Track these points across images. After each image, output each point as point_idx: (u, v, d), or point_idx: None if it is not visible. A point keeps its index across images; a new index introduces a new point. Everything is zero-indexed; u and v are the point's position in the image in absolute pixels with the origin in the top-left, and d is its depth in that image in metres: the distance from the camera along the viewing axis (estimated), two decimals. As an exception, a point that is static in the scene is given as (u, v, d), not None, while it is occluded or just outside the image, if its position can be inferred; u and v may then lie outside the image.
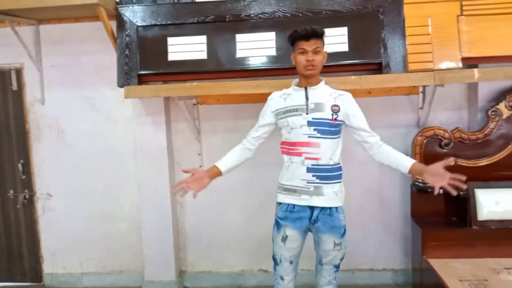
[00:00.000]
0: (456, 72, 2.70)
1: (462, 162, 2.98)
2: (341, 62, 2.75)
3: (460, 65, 2.71)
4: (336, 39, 2.73)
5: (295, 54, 2.21)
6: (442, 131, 2.97)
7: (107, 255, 3.62)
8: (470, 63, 2.76)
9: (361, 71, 2.81)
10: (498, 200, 2.84)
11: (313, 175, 2.19)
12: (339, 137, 2.25)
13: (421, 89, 3.14)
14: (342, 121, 2.23)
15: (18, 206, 3.61)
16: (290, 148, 2.24)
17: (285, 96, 2.28)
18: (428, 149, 3.00)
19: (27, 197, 3.61)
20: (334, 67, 2.75)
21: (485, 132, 2.97)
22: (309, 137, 2.18)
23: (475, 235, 2.83)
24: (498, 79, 2.75)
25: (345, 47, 2.74)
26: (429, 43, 2.72)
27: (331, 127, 2.19)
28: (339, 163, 2.26)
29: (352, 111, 2.23)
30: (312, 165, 2.18)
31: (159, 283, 3.43)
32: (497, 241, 2.79)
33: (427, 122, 3.18)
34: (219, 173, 2.31)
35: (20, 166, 3.59)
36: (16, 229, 3.68)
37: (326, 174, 2.19)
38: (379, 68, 2.75)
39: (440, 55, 2.71)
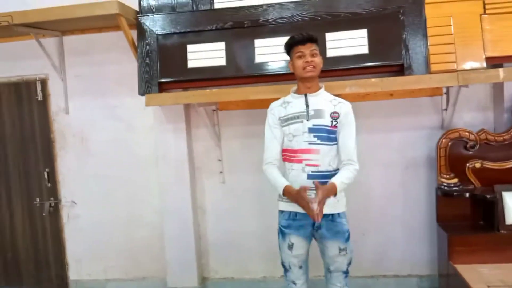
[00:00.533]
0: (480, 72, 2.63)
1: (489, 165, 2.89)
2: (361, 65, 2.72)
3: (485, 65, 2.65)
4: (356, 41, 2.71)
5: (292, 61, 2.25)
6: (467, 133, 2.90)
7: (130, 261, 3.66)
8: (494, 62, 2.69)
9: (382, 73, 2.77)
10: (527, 203, 2.75)
11: (314, 182, 2.17)
12: (336, 143, 2.24)
13: (444, 90, 3.07)
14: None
15: (44, 214, 3.68)
16: (291, 155, 2.25)
17: (285, 104, 2.30)
18: (453, 152, 2.93)
19: (52, 205, 3.68)
20: (354, 69, 2.74)
21: (512, 133, 2.89)
22: (309, 143, 2.20)
23: (503, 240, 2.73)
24: (525, 78, 2.68)
25: (365, 49, 2.71)
26: (451, 43, 2.66)
27: (330, 134, 2.21)
28: (337, 169, 2.26)
29: (344, 123, 2.22)
30: (312, 171, 2.20)
31: (182, 290, 3.44)
32: (526, 246, 2.69)
33: (451, 124, 3.11)
34: (291, 187, 2.21)
35: (45, 174, 3.66)
36: (42, 236, 3.76)
37: (327, 180, 2.18)
38: (400, 70, 2.71)
39: (463, 55, 2.65)
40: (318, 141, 2.19)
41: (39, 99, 3.60)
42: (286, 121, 2.26)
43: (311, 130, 2.19)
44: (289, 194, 2.18)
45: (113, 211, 3.61)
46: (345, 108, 2.24)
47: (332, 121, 2.20)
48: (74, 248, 3.72)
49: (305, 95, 2.24)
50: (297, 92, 2.30)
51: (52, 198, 3.68)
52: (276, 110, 2.32)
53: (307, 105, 2.23)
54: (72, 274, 3.76)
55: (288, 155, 2.28)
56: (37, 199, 3.69)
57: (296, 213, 2.25)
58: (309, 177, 2.19)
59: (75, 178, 3.63)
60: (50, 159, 3.65)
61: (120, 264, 3.67)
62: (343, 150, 2.23)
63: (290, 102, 2.29)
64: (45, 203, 3.67)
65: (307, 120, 2.20)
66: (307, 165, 2.19)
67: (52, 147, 3.64)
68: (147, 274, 3.66)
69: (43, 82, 3.58)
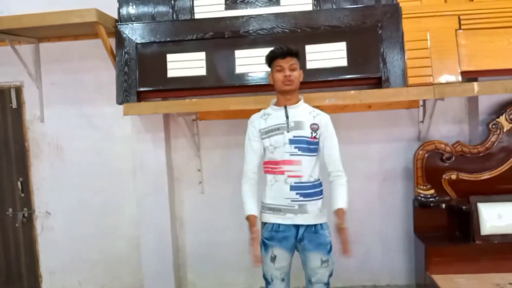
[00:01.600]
0: (456, 85, 2.70)
1: (464, 176, 2.96)
2: (340, 77, 2.75)
3: (460, 78, 2.71)
4: (335, 54, 2.74)
5: (272, 73, 2.27)
6: (443, 145, 2.96)
7: (106, 274, 3.57)
8: (469, 76, 2.76)
9: (360, 86, 2.81)
10: (501, 214, 2.81)
11: (297, 193, 2.21)
12: (317, 154, 2.28)
13: (421, 102, 3.14)
14: (319, 139, 2.26)
15: (17, 225, 3.57)
16: (273, 167, 2.26)
17: (265, 116, 2.32)
18: (430, 163, 2.98)
19: (26, 215, 3.58)
20: (333, 82, 2.77)
21: (487, 146, 2.96)
22: (290, 155, 2.21)
23: (479, 250, 2.79)
24: (498, 92, 2.76)
25: (344, 62, 2.74)
26: (428, 57, 2.72)
27: (310, 145, 2.23)
28: (319, 179, 2.29)
29: (325, 135, 2.25)
30: (295, 183, 2.21)
31: (159, 302, 3.38)
32: (501, 256, 2.75)
33: (428, 135, 3.17)
34: (255, 218, 2.26)
35: (19, 184, 3.56)
36: (15, 247, 3.64)
37: (309, 191, 2.22)
38: (378, 83, 2.75)
39: (439, 69, 2.71)
40: (300, 152, 2.20)
41: (14, 106, 3.51)
42: (266, 133, 2.27)
43: (292, 142, 2.20)
44: (250, 223, 2.23)
45: (89, 222, 3.53)
46: (324, 119, 2.27)
47: (312, 132, 2.22)
48: (48, 260, 3.61)
49: (285, 107, 2.25)
50: (277, 104, 2.31)
51: (25, 209, 3.58)
52: (256, 123, 2.32)
53: (287, 117, 2.24)
54: (46, 287, 3.64)
55: (270, 167, 2.28)
56: (10, 210, 3.59)
57: (279, 225, 2.25)
58: (292, 188, 2.20)
59: (50, 188, 3.54)
60: (24, 168, 3.56)
61: (95, 276, 3.58)
62: (329, 161, 2.27)
63: (270, 114, 2.30)
64: (18, 214, 3.57)
65: (288, 132, 2.21)
66: (289, 176, 2.20)
67: (26, 156, 3.55)
68: (123, 286, 3.57)
69: (18, 90, 3.50)
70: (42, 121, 3.49)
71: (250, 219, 2.25)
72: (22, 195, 3.57)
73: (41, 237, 3.60)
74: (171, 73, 2.89)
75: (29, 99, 3.49)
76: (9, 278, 3.67)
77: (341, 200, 2.22)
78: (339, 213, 2.18)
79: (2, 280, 3.65)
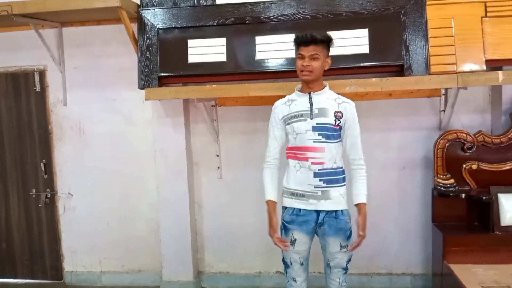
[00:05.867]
0: (480, 74, 2.65)
1: (485, 166, 2.92)
2: (361, 64, 2.73)
3: (484, 67, 2.66)
4: (357, 41, 2.72)
5: (296, 59, 2.25)
6: (464, 135, 2.92)
7: (126, 254, 3.67)
8: (494, 65, 2.71)
9: (382, 73, 2.78)
10: (522, 205, 2.78)
11: (320, 180, 2.22)
12: (340, 141, 2.28)
13: (443, 91, 3.09)
14: (343, 126, 2.26)
15: (40, 205, 3.67)
16: (296, 153, 2.26)
17: (289, 102, 2.31)
18: (450, 153, 2.94)
19: (48, 196, 3.68)
20: (354, 69, 2.74)
21: (509, 136, 2.91)
22: (314, 141, 2.21)
23: (498, 241, 2.76)
24: (523, 81, 2.69)
25: (366, 49, 2.71)
26: (452, 45, 2.67)
27: (334, 132, 2.23)
28: (342, 167, 2.30)
29: (350, 124, 2.26)
30: (318, 169, 2.22)
31: (177, 283, 3.45)
32: (521, 247, 2.72)
33: (449, 125, 3.13)
34: (275, 204, 2.34)
35: (42, 165, 3.65)
36: (38, 227, 3.75)
37: (332, 177, 2.24)
38: (400, 70, 2.72)
39: (463, 57, 2.66)
40: (323, 139, 2.20)
41: (37, 90, 3.58)
42: (289, 119, 2.26)
43: (315, 129, 2.20)
44: (268, 209, 2.30)
45: (110, 204, 3.61)
46: (350, 108, 2.26)
47: (335, 120, 2.21)
48: (70, 240, 3.72)
49: (309, 94, 2.24)
50: (301, 90, 2.29)
51: (48, 190, 3.67)
52: (279, 109, 2.32)
53: (311, 104, 2.23)
54: (67, 266, 3.76)
55: (293, 153, 2.28)
56: (33, 190, 3.68)
57: (300, 209, 2.27)
58: (316, 175, 2.21)
59: (72, 170, 3.62)
60: (47, 150, 3.64)
61: (115, 256, 3.68)
62: (351, 150, 2.29)
63: (294, 100, 2.29)
64: (41, 195, 3.66)
65: (311, 119, 2.21)
66: (312, 163, 2.20)
67: (49, 138, 3.62)
68: (142, 267, 3.67)
69: (42, 73, 3.56)
70: (65, 105, 3.55)
71: (269, 204, 2.31)
72: (45, 176, 3.66)
73: (63, 217, 3.70)
74: (191, 59, 2.90)
75: (52, 82, 3.55)
76: (32, 257, 3.79)
77: (361, 193, 2.26)
78: (363, 212, 2.23)
79: (26, 259, 3.78)
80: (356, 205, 2.26)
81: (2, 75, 3.60)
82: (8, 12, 2.89)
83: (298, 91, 2.31)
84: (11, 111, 3.64)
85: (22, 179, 3.69)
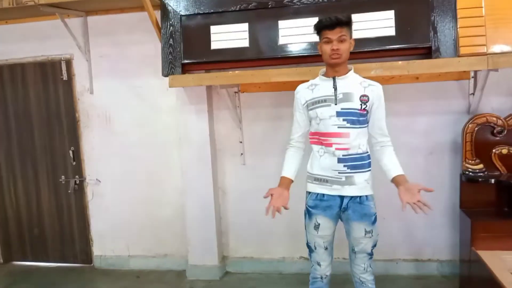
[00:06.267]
0: (511, 56, 2.55)
1: (516, 151, 2.84)
2: (387, 47, 2.67)
3: (516, 48, 2.56)
4: (383, 23, 2.65)
5: (321, 44, 2.19)
6: (495, 118, 2.83)
7: (152, 239, 3.75)
8: (527, 46, 2.60)
9: (409, 56, 2.71)
10: (554, 190, 2.70)
11: (344, 165, 2.19)
12: (367, 126, 2.24)
13: (472, 74, 2.99)
14: (369, 110, 2.22)
15: (69, 191, 3.78)
16: (320, 138, 2.23)
17: (312, 87, 2.27)
18: (480, 137, 2.87)
19: (77, 182, 3.78)
20: (380, 52, 2.69)
21: (542, 119, 2.81)
22: (338, 127, 2.17)
23: (528, 227, 2.70)
24: (558, 62, 2.58)
25: (392, 31, 2.65)
26: (482, 26, 2.57)
27: (360, 117, 2.18)
28: (367, 152, 2.25)
29: (377, 106, 2.21)
30: (343, 155, 2.18)
31: (203, 267, 3.51)
32: (552, 233, 2.65)
33: (478, 108, 3.04)
34: (290, 182, 2.33)
35: (71, 153, 3.75)
36: (67, 213, 3.87)
37: (357, 163, 2.20)
38: (428, 53, 2.64)
39: (494, 38, 2.56)
40: (348, 125, 2.16)
41: (64, 78, 3.65)
42: (312, 104, 2.23)
43: (339, 114, 2.16)
44: (280, 182, 2.30)
45: (136, 190, 3.68)
46: (377, 91, 2.21)
47: (361, 105, 2.16)
48: (98, 225, 3.82)
49: (334, 78, 2.20)
50: (326, 74, 2.25)
51: (77, 176, 3.77)
52: (302, 93, 2.29)
53: (335, 89, 2.18)
54: (96, 250, 3.87)
55: (317, 138, 2.25)
56: (63, 177, 3.79)
57: (323, 194, 2.26)
58: (340, 160, 2.18)
59: (99, 157, 3.71)
60: (75, 138, 3.73)
61: (142, 241, 3.76)
62: (377, 131, 2.24)
63: (318, 85, 2.25)
64: (70, 181, 3.77)
65: (335, 104, 2.17)
66: (337, 149, 2.17)
67: (77, 126, 3.71)
68: (169, 251, 3.74)
69: (68, 62, 3.63)
70: (91, 93, 3.62)
71: (280, 179, 2.30)
72: (74, 163, 3.76)
73: (92, 203, 3.80)
74: (214, 45, 2.90)
75: (78, 71, 3.62)
76: (62, 241, 3.91)
77: (397, 166, 2.20)
78: (401, 178, 2.17)
79: (57, 243, 3.90)
80: (394, 179, 2.18)
81: (30, 65, 3.68)
82: (35, 2, 2.96)
83: (322, 75, 2.26)
84: (40, 100, 3.73)
85: (52, 166, 3.80)
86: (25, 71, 3.71)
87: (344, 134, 2.17)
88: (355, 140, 2.18)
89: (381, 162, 2.25)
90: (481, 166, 2.86)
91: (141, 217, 3.72)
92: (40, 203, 3.88)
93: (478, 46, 2.58)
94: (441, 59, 2.60)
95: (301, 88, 2.31)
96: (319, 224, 2.28)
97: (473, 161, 2.88)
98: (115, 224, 3.77)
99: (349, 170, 2.19)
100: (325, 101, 2.19)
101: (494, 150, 2.87)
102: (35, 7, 3.00)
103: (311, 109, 2.24)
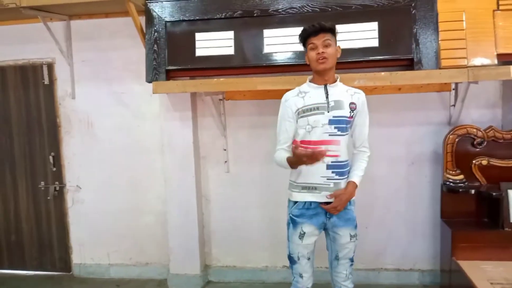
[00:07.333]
0: (491, 69, 2.60)
1: (496, 162, 2.88)
2: (371, 58, 2.70)
3: (496, 61, 2.62)
4: (366, 34, 2.69)
5: (307, 52, 2.22)
6: (475, 130, 2.88)
7: (133, 247, 3.69)
8: (505, 59, 2.66)
9: (391, 67, 2.75)
10: (532, 202, 2.74)
11: (332, 172, 2.21)
12: (349, 133, 2.28)
13: (453, 86, 3.05)
14: (354, 117, 2.26)
15: (48, 198, 3.70)
16: (311, 147, 2.19)
17: (302, 94, 2.25)
18: (460, 148, 2.91)
19: (57, 188, 3.70)
20: (363, 62, 2.72)
21: (521, 131, 2.87)
22: (329, 135, 2.19)
23: (508, 237, 2.73)
24: (536, 76, 2.65)
25: (375, 43, 2.68)
26: (463, 39, 2.63)
27: (347, 124, 2.22)
28: (348, 158, 2.30)
29: (361, 112, 2.26)
30: (332, 162, 2.20)
31: (184, 277, 3.47)
32: (531, 244, 2.69)
33: (459, 120, 3.09)
34: None
35: (51, 158, 3.68)
36: (46, 220, 3.78)
37: (343, 170, 2.24)
38: (410, 64, 2.68)
39: (474, 51, 2.62)
40: (339, 132, 2.18)
41: (46, 83, 3.59)
42: (304, 112, 2.21)
43: (331, 122, 2.17)
44: (291, 161, 2.19)
45: (118, 197, 3.63)
46: (362, 98, 2.26)
47: (350, 112, 2.20)
48: (78, 232, 3.75)
49: (325, 86, 2.21)
50: (315, 82, 2.24)
51: (57, 182, 3.70)
52: (292, 101, 2.25)
53: (327, 96, 2.20)
54: (76, 258, 3.79)
55: (305, 147, 2.20)
56: (42, 183, 3.71)
57: (310, 203, 2.25)
58: (329, 167, 2.19)
59: (80, 163, 3.64)
60: (56, 143, 3.66)
61: (123, 249, 3.70)
62: (358, 137, 2.28)
63: (308, 92, 2.24)
64: (50, 187, 3.69)
65: (328, 112, 2.18)
66: (327, 155, 2.13)
67: (57, 131, 3.64)
68: (150, 260, 3.69)
69: (50, 66, 3.57)
70: (73, 98, 3.56)
71: (289, 160, 2.20)
72: (54, 169, 3.69)
73: (72, 210, 3.73)
74: (199, 52, 2.89)
75: (60, 75, 3.56)
76: (40, 249, 3.82)
77: (356, 173, 2.26)
78: (350, 185, 2.22)
79: (35, 251, 3.81)
80: (347, 183, 2.24)
81: (11, 68, 3.62)
82: (16, 4, 2.91)
83: (311, 81, 2.26)
84: (20, 104, 3.66)
85: (31, 171, 3.72)
86: (6, 74, 3.64)
87: (335, 142, 2.18)
88: (344, 147, 2.22)
89: (352, 165, 2.30)
90: (461, 176, 2.90)
91: (122, 225, 3.66)
92: (18, 209, 3.79)
93: (459, 58, 2.64)
94: (423, 71, 2.64)
95: (290, 95, 2.28)
96: (304, 233, 2.27)
97: (453, 172, 2.91)
98: (96, 232, 3.70)
99: (337, 177, 2.21)
100: (317, 108, 2.19)
101: (474, 161, 2.91)
102: (16, 10, 2.95)
103: (302, 117, 2.22)
